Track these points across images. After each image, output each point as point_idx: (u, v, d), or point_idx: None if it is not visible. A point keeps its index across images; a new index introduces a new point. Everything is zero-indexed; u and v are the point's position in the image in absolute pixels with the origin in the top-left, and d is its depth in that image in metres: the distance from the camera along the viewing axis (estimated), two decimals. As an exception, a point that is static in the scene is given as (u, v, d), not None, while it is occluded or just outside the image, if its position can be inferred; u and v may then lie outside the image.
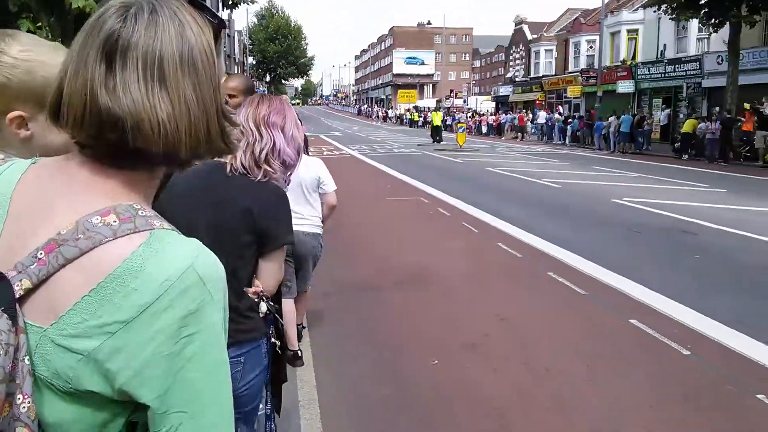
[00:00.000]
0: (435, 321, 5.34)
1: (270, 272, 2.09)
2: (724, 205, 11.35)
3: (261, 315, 2.05)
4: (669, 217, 10.02)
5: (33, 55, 1.21)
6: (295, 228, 4.13)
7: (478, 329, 5.12)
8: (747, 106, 20.27)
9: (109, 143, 0.79)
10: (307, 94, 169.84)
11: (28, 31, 6.51)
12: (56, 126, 0.82)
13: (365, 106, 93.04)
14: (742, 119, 20.53)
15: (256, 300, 2.03)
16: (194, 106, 0.81)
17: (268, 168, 2.05)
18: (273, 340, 2.14)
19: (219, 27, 0.88)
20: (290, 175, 2.18)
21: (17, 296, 0.74)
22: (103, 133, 0.78)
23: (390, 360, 4.57)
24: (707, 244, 8.14)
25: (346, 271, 6.66)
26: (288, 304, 4.20)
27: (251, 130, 2.06)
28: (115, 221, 0.78)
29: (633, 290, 6.07)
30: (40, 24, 6.97)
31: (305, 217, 4.21)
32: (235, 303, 1.98)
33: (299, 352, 4.33)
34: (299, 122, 4.17)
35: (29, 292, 0.75)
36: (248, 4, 12.16)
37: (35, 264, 0.76)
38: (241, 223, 1.99)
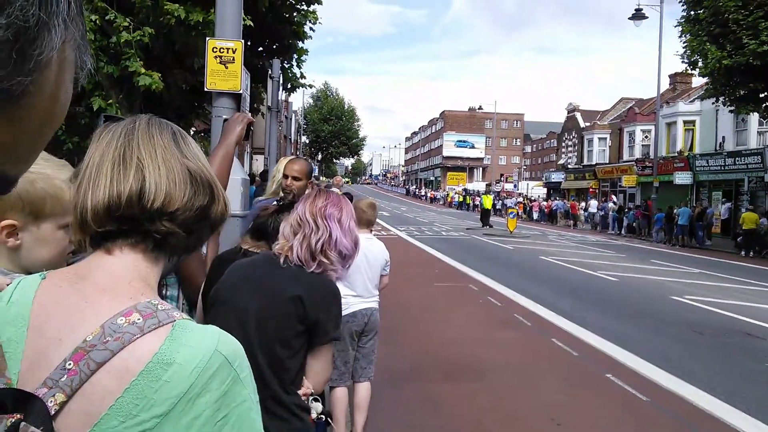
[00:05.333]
0: (488, 419, 5.02)
1: (318, 370, 2.04)
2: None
3: (313, 418, 1.94)
4: (734, 318, 9.44)
5: (37, 168, 1.19)
6: (369, 305, 4.19)
7: (531, 435, 4.77)
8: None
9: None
10: (357, 173, 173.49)
11: (99, 107, 6.87)
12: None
13: (413, 186, 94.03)
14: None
15: (306, 402, 1.97)
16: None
17: (324, 259, 2.02)
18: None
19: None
20: (348, 266, 2.16)
21: (52, 412, 0.75)
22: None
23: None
24: (779, 351, 7.57)
25: (393, 358, 6.41)
26: (340, 392, 4.23)
27: (308, 221, 2.05)
28: (139, 319, 0.81)
29: (698, 399, 5.62)
30: (110, 101, 7.36)
31: (375, 295, 4.37)
32: (282, 396, 1.88)
33: None
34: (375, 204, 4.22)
35: (63, 405, 0.76)
36: (306, 88, 12.62)
37: (65, 375, 0.77)
38: (291, 311, 1.96)
